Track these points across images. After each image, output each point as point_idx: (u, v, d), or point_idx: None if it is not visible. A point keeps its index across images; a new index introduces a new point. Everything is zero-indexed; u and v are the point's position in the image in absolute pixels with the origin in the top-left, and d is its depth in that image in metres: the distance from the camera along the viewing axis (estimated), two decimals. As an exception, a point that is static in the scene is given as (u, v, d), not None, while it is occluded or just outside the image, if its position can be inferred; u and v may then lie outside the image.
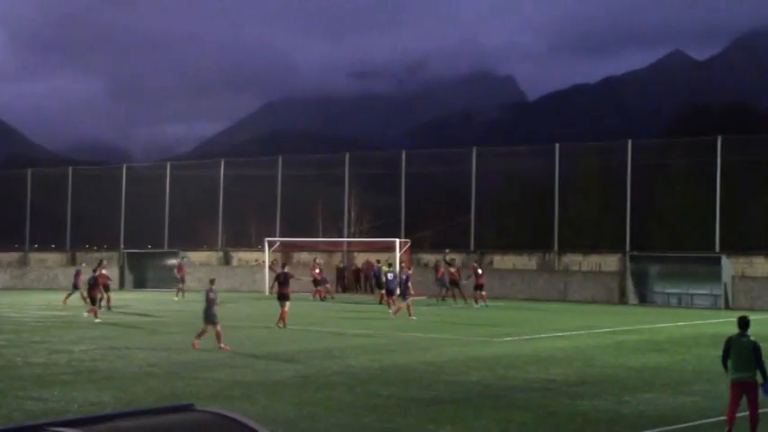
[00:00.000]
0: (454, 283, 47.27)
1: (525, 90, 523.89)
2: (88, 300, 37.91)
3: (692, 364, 23.12)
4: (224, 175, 64.03)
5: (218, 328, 26.07)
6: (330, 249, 60.32)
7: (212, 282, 28.21)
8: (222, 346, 25.42)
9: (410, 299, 38.65)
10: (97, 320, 35.16)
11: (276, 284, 33.39)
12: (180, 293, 50.37)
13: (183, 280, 51.69)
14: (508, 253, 56.57)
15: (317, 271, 50.46)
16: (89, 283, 38.18)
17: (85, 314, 36.18)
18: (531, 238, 62.08)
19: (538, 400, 17.61)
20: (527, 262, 55.09)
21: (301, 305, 44.82)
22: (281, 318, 31.90)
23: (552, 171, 55.08)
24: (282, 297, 32.35)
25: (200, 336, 26.01)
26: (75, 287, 44.62)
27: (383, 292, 43.81)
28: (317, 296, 49.27)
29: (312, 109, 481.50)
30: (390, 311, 38.46)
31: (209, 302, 26.63)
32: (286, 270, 34.37)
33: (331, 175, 64.50)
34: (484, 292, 45.53)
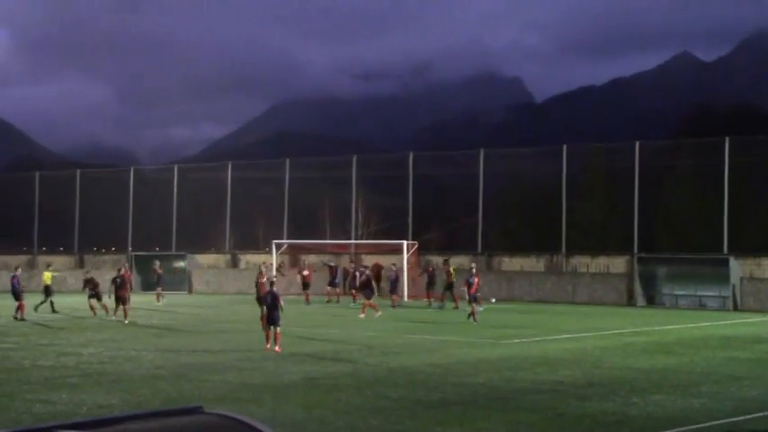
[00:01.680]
0: (449, 286, 46.33)
1: (532, 91, 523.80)
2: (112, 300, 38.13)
3: (700, 366, 23.07)
4: (231, 177, 64.10)
5: (278, 330, 25.93)
6: (337, 251, 60.32)
7: (272, 284, 27.72)
8: (276, 348, 25.38)
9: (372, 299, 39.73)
10: (126, 321, 35.44)
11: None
12: (159, 298, 49.92)
13: (159, 284, 51.09)
14: (515, 255, 56.50)
15: (306, 273, 50.20)
16: (116, 284, 37.89)
17: (113, 317, 36.28)
18: (538, 239, 62.01)
19: (546, 402, 17.58)
20: (534, 264, 55.04)
21: (306, 308, 44.88)
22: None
23: (559, 173, 55.03)
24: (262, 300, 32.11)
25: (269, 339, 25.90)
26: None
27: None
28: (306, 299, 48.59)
29: (318, 111, 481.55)
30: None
31: (274, 302, 26.17)
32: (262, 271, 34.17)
33: (338, 177, 64.52)
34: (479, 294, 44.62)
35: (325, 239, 65.39)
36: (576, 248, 55.35)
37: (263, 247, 63.78)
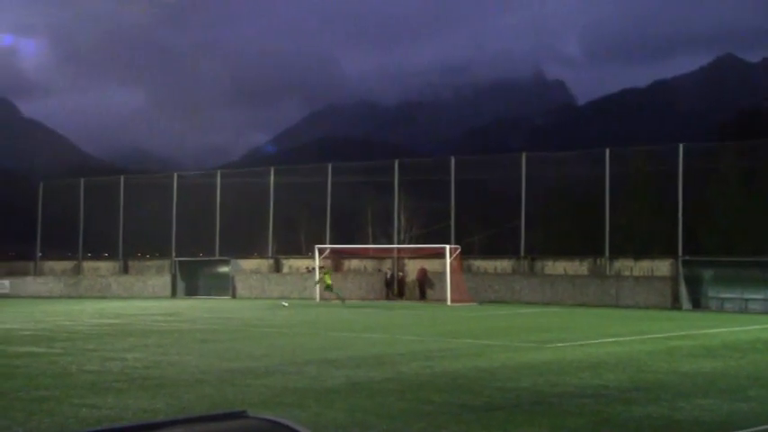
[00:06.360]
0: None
1: (575, 94, 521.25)
2: None
3: (747, 370, 22.80)
4: (274, 182, 64.37)
5: None
6: (380, 256, 60.42)
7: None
8: None
9: None
10: None
11: None
12: None
13: None
14: (559, 258, 56.25)
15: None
16: None
17: None
18: (581, 243, 61.66)
19: (591, 407, 17.43)
20: (578, 267, 54.75)
21: (347, 312, 44.89)
22: None
23: (602, 176, 54.74)
24: None
25: None
26: None
27: None
28: None
29: (359, 116, 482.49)
30: None
31: None
32: None
33: (380, 181, 64.59)
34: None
35: (368, 244, 65.47)
36: (619, 252, 55.00)
37: (305, 251, 64.01)
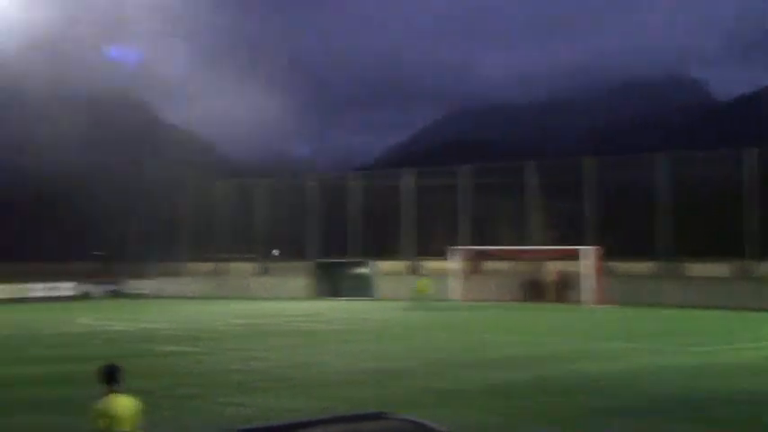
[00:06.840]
0: None
1: (714, 93, 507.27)
2: None
3: None
4: (410, 184, 64.60)
5: None
6: (517, 257, 59.98)
7: None
8: None
9: None
10: None
11: None
12: None
13: None
14: (700, 260, 54.79)
15: None
16: None
17: None
18: (724, 244, 59.91)
19: (743, 414, 16.85)
20: (721, 269, 53.29)
21: (485, 313, 44.68)
22: None
23: (745, 176, 53.29)
24: None
25: None
26: None
27: None
28: None
29: (490, 117, 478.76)
30: None
31: None
32: None
33: (515, 183, 63.98)
34: None
35: (504, 245, 65.03)
36: (765, 253, 53.24)
37: (442, 253, 63.97)
